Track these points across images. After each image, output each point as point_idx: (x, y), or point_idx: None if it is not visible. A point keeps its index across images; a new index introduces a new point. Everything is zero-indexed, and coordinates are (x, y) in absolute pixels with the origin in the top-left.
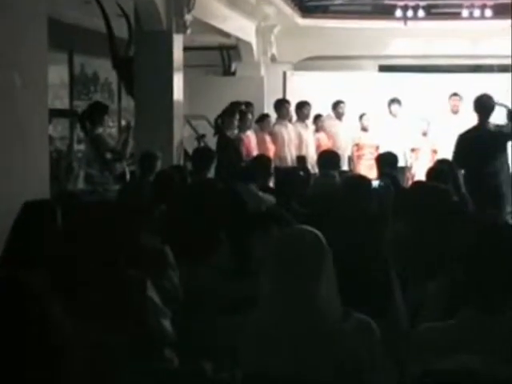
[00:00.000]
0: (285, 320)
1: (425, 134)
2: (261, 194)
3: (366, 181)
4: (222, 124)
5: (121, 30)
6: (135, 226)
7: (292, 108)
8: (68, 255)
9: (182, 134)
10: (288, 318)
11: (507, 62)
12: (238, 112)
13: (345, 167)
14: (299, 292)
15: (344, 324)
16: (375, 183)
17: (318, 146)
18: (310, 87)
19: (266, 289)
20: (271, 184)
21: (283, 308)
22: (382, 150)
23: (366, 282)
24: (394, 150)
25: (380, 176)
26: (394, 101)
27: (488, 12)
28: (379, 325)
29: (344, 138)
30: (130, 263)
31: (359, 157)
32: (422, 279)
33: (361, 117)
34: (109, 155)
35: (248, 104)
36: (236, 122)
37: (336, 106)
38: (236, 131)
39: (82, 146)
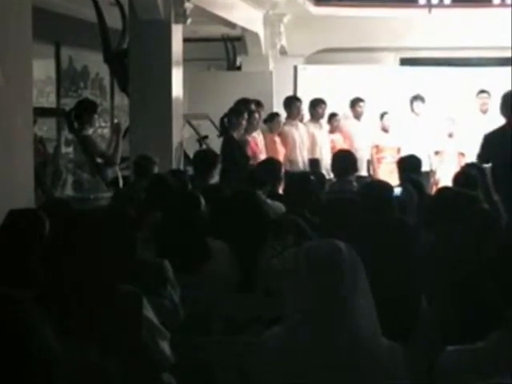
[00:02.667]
0: (323, 337)
1: (451, 135)
2: (269, 201)
3: (386, 187)
4: (228, 124)
5: (114, 19)
6: (131, 238)
7: (304, 106)
8: (56, 269)
9: (181, 136)
10: (327, 335)
11: None
12: (246, 111)
13: (363, 172)
14: (339, 308)
15: (381, 339)
16: (397, 190)
17: (333, 149)
18: (324, 83)
19: (292, 306)
20: (280, 190)
21: (319, 325)
22: (404, 153)
23: (389, 299)
24: (417, 153)
25: (402, 182)
26: (416, 98)
27: None
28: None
29: (362, 139)
30: (125, 278)
31: (379, 160)
32: (448, 297)
33: (382, 116)
34: (100, 159)
35: (258, 103)
36: (244, 123)
37: (354, 104)
38: (242, 132)
39: (70, 149)
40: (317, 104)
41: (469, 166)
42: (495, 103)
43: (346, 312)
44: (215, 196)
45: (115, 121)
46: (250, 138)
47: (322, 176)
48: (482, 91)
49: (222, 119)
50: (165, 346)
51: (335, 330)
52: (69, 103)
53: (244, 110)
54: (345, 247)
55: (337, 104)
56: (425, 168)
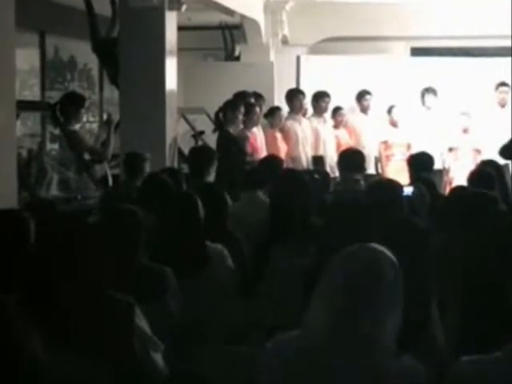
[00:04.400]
0: (343, 352)
1: (466, 131)
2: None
3: (396, 186)
4: (223, 118)
5: (103, 6)
6: (131, 240)
7: (307, 99)
8: (43, 275)
9: (175, 131)
10: (348, 350)
11: None
12: (243, 104)
13: (371, 170)
14: (365, 325)
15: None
16: (407, 190)
17: (338, 145)
18: (329, 74)
19: (312, 314)
20: None
21: (342, 340)
22: (414, 150)
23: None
24: (429, 150)
25: (412, 181)
26: (428, 90)
27: None
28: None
29: (369, 135)
30: (120, 285)
31: (388, 157)
32: (464, 303)
33: (389, 110)
34: (87, 156)
35: (257, 95)
36: (241, 117)
37: (361, 97)
38: (241, 127)
39: (55, 145)
40: (321, 97)
41: (485, 163)
42: None
43: (375, 326)
44: (212, 195)
45: (104, 115)
46: (249, 134)
47: (327, 174)
48: (502, 84)
49: (216, 113)
50: (157, 357)
51: (358, 351)
52: (54, 96)
53: (240, 103)
54: (387, 258)
55: (342, 97)
56: (437, 166)
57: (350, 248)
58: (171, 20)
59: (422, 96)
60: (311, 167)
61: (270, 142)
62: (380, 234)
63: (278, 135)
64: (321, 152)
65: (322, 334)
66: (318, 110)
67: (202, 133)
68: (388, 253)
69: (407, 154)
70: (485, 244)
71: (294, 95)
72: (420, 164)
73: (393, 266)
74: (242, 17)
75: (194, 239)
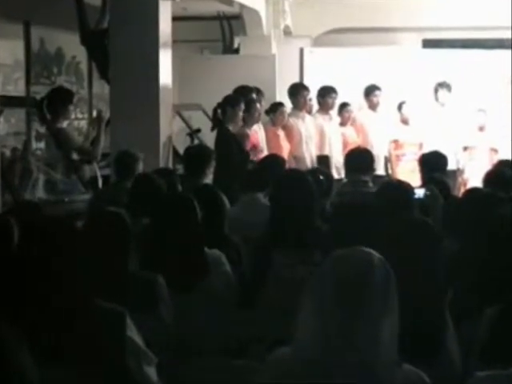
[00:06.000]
0: (337, 363)
1: (482, 129)
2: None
3: (406, 188)
4: (222, 115)
5: None
6: (120, 246)
7: (312, 95)
8: (28, 284)
9: (170, 129)
10: (341, 360)
11: None
12: (243, 100)
13: (380, 171)
14: (362, 331)
15: (397, 371)
16: (418, 191)
17: (344, 144)
18: (335, 68)
19: (304, 324)
20: None
21: (337, 348)
22: (426, 149)
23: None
24: (442, 149)
25: (424, 182)
26: (442, 85)
27: None
28: (428, 374)
29: (378, 133)
30: (110, 294)
31: (398, 157)
32: (476, 311)
33: (400, 106)
34: (76, 156)
35: (258, 91)
36: (241, 113)
37: (369, 93)
38: (241, 124)
39: (41, 144)
40: (327, 93)
41: (502, 163)
42: None
43: (367, 339)
44: (209, 198)
45: (94, 111)
46: (249, 132)
47: (331, 176)
48: None
49: (214, 110)
50: (151, 371)
51: (351, 355)
52: (40, 91)
53: (240, 98)
54: (378, 260)
55: (349, 93)
56: (451, 166)
57: (338, 252)
58: (165, 10)
59: (435, 91)
60: (316, 167)
61: (272, 140)
62: (393, 233)
63: (281, 133)
64: (326, 151)
65: (313, 349)
66: (324, 106)
67: (198, 131)
68: (378, 256)
69: (419, 154)
70: (500, 250)
71: (297, 90)
72: (432, 164)
73: (384, 270)
74: (242, 6)
75: (192, 246)
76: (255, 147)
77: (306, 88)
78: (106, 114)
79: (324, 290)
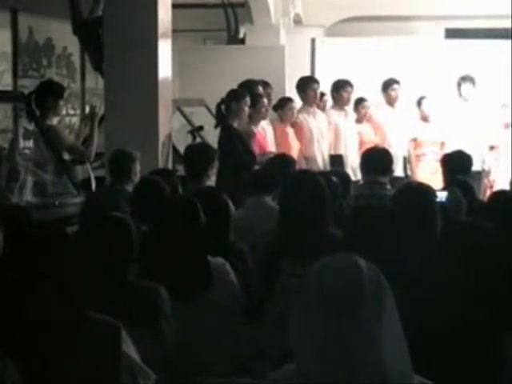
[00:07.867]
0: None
1: (508, 126)
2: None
3: (427, 191)
4: (226, 111)
5: None
6: (115, 255)
7: (325, 89)
8: (12, 293)
9: (170, 126)
10: (342, 371)
11: None
12: (249, 95)
13: (398, 172)
14: (356, 336)
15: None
16: (441, 194)
17: (361, 143)
18: (349, 60)
19: (297, 336)
20: None
21: (335, 362)
22: (449, 149)
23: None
24: (466, 149)
25: (447, 184)
26: (465, 79)
27: None
28: None
29: (397, 131)
30: (106, 307)
31: (418, 157)
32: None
33: (419, 102)
34: (67, 155)
35: (265, 84)
36: (247, 109)
37: (387, 86)
38: (246, 121)
39: (30, 143)
40: (341, 87)
41: None
42: None
43: (365, 341)
44: (212, 201)
45: (87, 107)
46: (256, 130)
47: (347, 176)
48: None
49: (218, 105)
50: None
51: (353, 364)
52: (28, 85)
53: (246, 93)
54: (366, 266)
55: (365, 87)
56: (476, 167)
57: (322, 261)
58: None
59: (458, 85)
60: (328, 168)
61: (280, 138)
62: (409, 248)
63: (290, 131)
64: (340, 150)
65: (310, 365)
66: (339, 101)
67: (200, 128)
68: (365, 261)
69: (440, 154)
70: None
71: (307, 84)
72: (456, 165)
73: (374, 275)
74: None
75: (194, 254)
76: (263, 152)
77: (315, 81)
78: (100, 110)
79: (312, 304)
